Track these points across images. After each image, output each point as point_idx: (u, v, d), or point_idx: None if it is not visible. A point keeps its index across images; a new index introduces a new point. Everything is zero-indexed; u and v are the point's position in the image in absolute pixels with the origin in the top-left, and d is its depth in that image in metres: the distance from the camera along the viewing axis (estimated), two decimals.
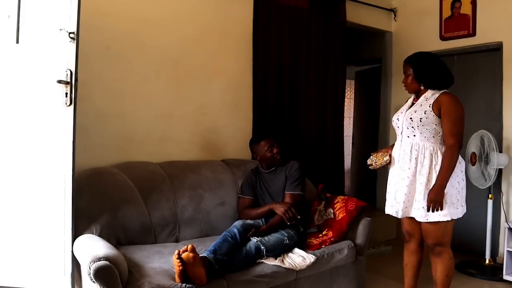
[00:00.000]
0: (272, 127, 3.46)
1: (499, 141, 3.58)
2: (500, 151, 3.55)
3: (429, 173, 2.32)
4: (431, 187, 2.29)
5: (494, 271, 3.40)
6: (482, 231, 3.57)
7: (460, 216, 2.37)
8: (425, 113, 2.33)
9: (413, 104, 2.49)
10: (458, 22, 3.97)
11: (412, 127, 2.37)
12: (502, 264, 3.27)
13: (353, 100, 6.23)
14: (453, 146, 2.28)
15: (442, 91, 2.38)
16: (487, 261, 3.49)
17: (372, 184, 4.83)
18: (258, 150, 2.89)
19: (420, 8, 4.31)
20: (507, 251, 3.25)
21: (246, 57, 3.45)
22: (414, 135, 2.38)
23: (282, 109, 3.59)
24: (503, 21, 3.65)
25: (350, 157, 5.96)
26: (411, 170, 2.37)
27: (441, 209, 2.28)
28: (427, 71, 2.42)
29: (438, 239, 2.38)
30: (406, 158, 2.40)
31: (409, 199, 2.40)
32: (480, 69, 3.95)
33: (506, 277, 3.23)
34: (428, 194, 2.29)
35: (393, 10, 4.54)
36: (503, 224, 3.37)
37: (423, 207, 2.32)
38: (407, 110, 2.46)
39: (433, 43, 4.15)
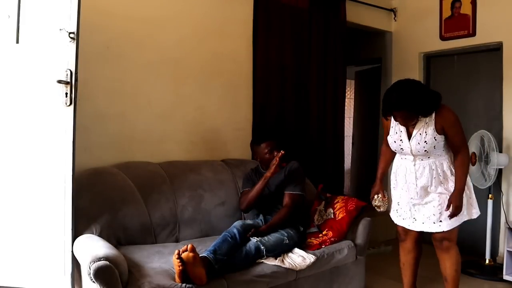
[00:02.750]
0: (274, 129, 3.46)
1: (499, 141, 3.58)
2: (500, 151, 3.55)
3: (451, 182, 2.39)
4: (451, 194, 2.36)
5: (494, 271, 3.40)
6: (482, 231, 3.57)
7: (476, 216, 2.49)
8: (435, 139, 2.33)
9: (409, 129, 2.40)
10: (458, 22, 3.97)
11: (427, 156, 2.39)
12: (502, 264, 3.27)
13: (353, 100, 6.24)
14: (463, 152, 2.36)
15: None
16: (487, 261, 3.49)
17: (372, 184, 4.82)
18: (259, 151, 2.90)
19: (420, 8, 4.31)
20: (507, 251, 3.25)
21: (246, 57, 3.45)
22: (429, 157, 2.39)
23: (282, 109, 3.59)
24: (503, 21, 3.65)
25: (350, 157, 5.96)
26: (435, 189, 2.40)
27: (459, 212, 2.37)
28: (422, 106, 2.27)
29: (447, 234, 2.42)
30: (424, 181, 2.40)
31: (441, 212, 2.40)
32: (480, 69, 3.95)
33: (506, 277, 3.23)
34: (451, 201, 2.34)
35: (393, 10, 4.54)
36: (503, 224, 3.37)
37: (450, 218, 2.38)
38: (409, 139, 2.37)
39: (433, 43, 4.15)
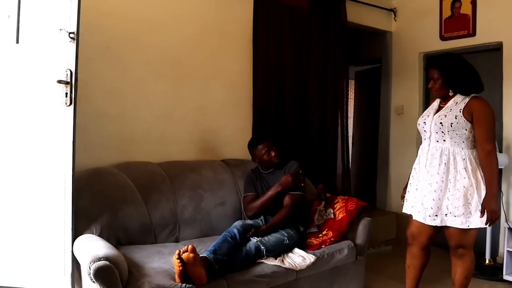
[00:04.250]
0: (270, 128, 3.45)
1: (499, 141, 3.58)
2: (500, 151, 3.55)
3: (467, 178, 2.28)
4: (483, 198, 2.24)
5: (494, 271, 3.40)
6: (482, 231, 3.55)
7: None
8: (455, 118, 2.28)
9: (440, 107, 2.43)
10: (458, 22, 3.96)
11: (442, 132, 2.32)
12: (502, 264, 3.28)
13: (353, 100, 6.23)
14: (492, 151, 2.26)
15: (472, 95, 2.34)
16: (487, 261, 3.49)
17: (372, 184, 4.84)
18: (256, 153, 2.90)
19: (420, 8, 4.30)
20: (507, 251, 3.25)
21: (246, 57, 3.45)
22: (444, 140, 2.33)
23: (283, 109, 3.59)
24: (503, 21, 3.65)
25: (350, 157, 5.96)
26: (440, 176, 2.32)
27: (497, 218, 2.24)
28: (457, 76, 2.34)
29: (462, 242, 2.36)
30: (434, 163, 2.35)
31: (439, 206, 2.32)
32: (480, 69, 3.91)
33: (506, 277, 3.23)
34: (484, 206, 2.23)
35: (393, 10, 4.54)
36: (503, 224, 3.37)
37: (463, 214, 2.27)
38: (434, 114, 2.40)
39: (433, 43, 4.15)
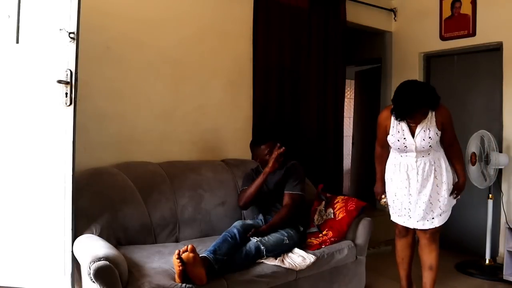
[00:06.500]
0: (273, 129, 3.45)
1: (499, 141, 3.58)
2: (500, 151, 3.55)
3: (446, 175, 2.52)
4: (457, 184, 2.58)
5: (494, 271, 3.40)
6: (482, 231, 3.57)
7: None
8: (437, 134, 2.45)
9: (411, 126, 2.45)
10: (458, 22, 3.97)
11: (428, 152, 2.50)
12: (502, 264, 3.28)
13: (353, 100, 6.23)
14: (458, 146, 2.59)
15: None
16: (487, 261, 3.49)
17: (372, 184, 4.81)
18: (258, 153, 2.89)
19: (420, 8, 4.31)
20: (507, 251, 3.25)
21: (246, 57, 3.45)
22: (429, 153, 2.50)
23: (282, 109, 3.59)
24: (503, 21, 3.65)
25: (350, 157, 5.96)
26: (434, 184, 2.51)
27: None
28: (434, 101, 2.40)
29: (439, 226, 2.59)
30: (426, 175, 2.50)
31: (433, 209, 2.54)
32: (480, 69, 3.95)
33: (506, 277, 3.23)
34: (458, 189, 2.57)
35: (393, 10, 4.54)
36: (503, 224, 3.37)
37: (440, 215, 2.54)
38: (414, 136, 2.44)
39: (433, 43, 4.15)
